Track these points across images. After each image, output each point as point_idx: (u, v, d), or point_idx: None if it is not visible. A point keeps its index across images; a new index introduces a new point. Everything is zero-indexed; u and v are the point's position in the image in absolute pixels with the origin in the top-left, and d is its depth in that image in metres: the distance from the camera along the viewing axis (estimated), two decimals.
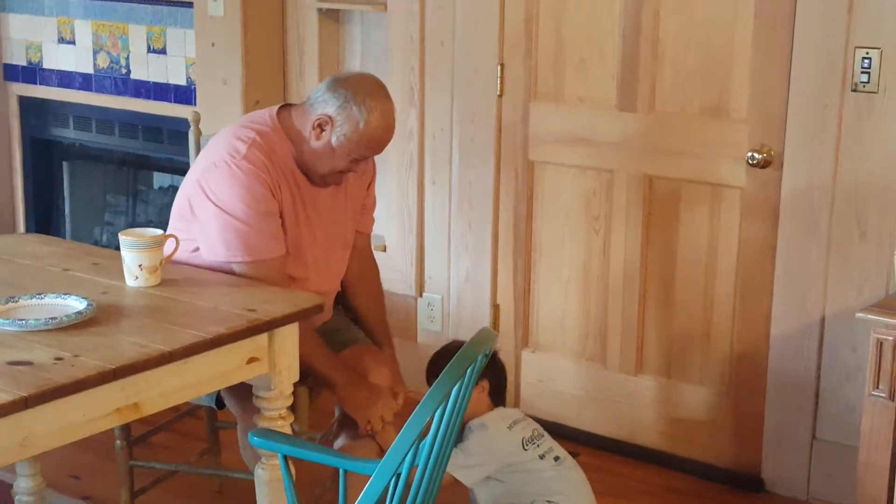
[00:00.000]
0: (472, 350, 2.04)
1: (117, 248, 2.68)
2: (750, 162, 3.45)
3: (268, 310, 2.54)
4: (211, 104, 4.33)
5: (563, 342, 3.97)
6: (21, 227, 5.34)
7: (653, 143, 3.66)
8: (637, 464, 3.79)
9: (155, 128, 4.85)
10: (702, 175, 3.59)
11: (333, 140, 2.81)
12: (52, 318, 2.38)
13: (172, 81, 4.69)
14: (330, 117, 2.79)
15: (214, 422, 3.38)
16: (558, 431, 3.91)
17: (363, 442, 2.98)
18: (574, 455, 3.75)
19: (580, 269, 3.88)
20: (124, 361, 2.22)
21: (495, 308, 4.08)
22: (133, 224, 5.17)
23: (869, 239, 3.31)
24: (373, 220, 3.21)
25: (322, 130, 2.81)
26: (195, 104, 4.50)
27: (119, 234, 2.68)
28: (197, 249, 2.85)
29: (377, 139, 2.83)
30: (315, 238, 2.92)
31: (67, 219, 5.33)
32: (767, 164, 3.44)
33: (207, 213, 2.78)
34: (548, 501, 2.97)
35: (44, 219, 5.34)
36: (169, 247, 2.73)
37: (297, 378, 2.63)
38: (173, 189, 5.16)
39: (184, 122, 4.62)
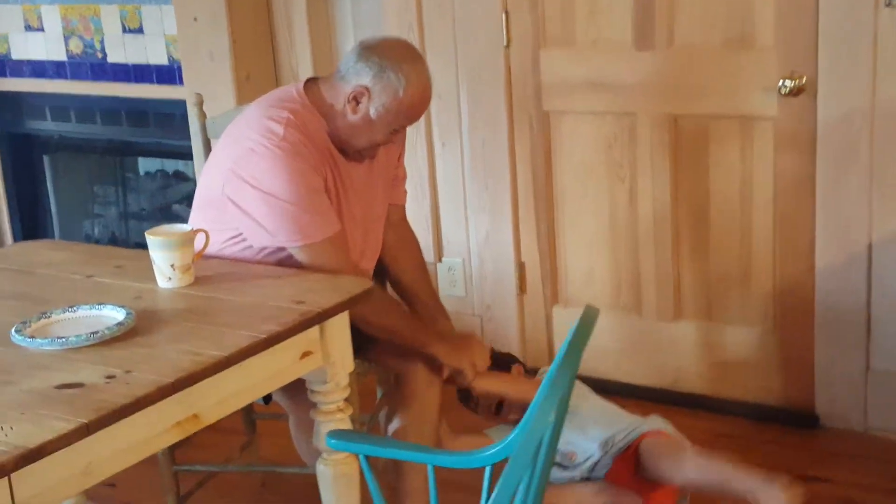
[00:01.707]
0: (584, 333, 1.86)
1: (133, 245, 2.51)
2: (782, 91, 3.30)
3: (317, 300, 2.38)
4: (199, 82, 4.13)
5: (595, 295, 3.83)
6: (6, 227, 5.13)
7: (675, 80, 3.51)
8: (683, 412, 3.65)
9: (139, 112, 4.64)
10: (730, 109, 3.44)
11: (372, 112, 2.66)
12: (93, 333, 2.21)
13: (153, 62, 4.47)
14: (366, 88, 2.64)
15: (251, 413, 3.23)
16: (598, 386, 3.75)
17: (415, 425, 2.84)
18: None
19: (607, 219, 3.74)
20: (180, 373, 2.06)
21: (520, 266, 3.93)
22: (125, 214, 4.98)
23: None
24: (405, 191, 3.06)
25: (358, 103, 2.66)
26: (181, 83, 4.30)
27: (146, 233, 2.50)
28: (229, 240, 2.70)
29: (417, 106, 2.69)
30: (353, 216, 2.78)
31: (54, 215, 5.12)
32: (800, 91, 3.29)
33: (253, 203, 2.62)
34: None
35: (29, 217, 5.12)
36: (199, 242, 2.56)
37: (351, 367, 2.48)
38: (162, 174, 4.97)
39: (170, 104, 4.48)
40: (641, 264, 3.71)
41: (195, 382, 2.08)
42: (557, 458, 2.98)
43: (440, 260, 4.05)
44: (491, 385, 3.01)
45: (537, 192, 3.82)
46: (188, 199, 4.77)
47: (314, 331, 2.35)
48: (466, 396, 3.03)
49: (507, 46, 3.74)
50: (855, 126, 3.23)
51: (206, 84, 4.06)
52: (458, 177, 3.94)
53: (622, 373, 3.83)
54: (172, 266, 2.48)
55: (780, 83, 3.30)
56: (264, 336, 2.21)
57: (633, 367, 3.81)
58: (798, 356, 3.51)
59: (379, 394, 3.11)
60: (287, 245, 2.64)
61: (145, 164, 5.05)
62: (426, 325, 2.93)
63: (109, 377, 2.05)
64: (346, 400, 2.50)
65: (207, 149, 3.21)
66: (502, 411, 3.02)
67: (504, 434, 3.08)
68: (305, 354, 2.36)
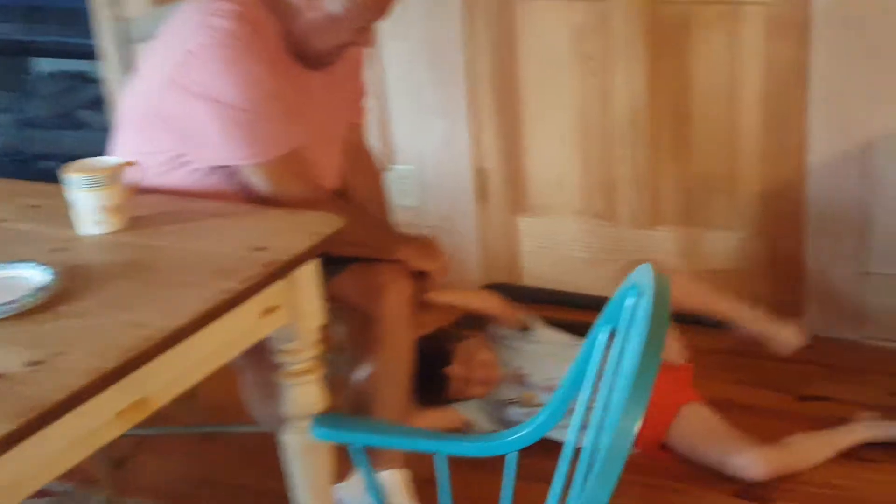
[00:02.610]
0: (661, 311, 1.48)
1: (32, 158, 2.10)
2: None
3: (281, 245, 2.00)
4: None
5: (564, 201, 3.50)
6: None
7: None
8: None
9: (32, 7, 4.13)
10: None
11: (335, 7, 2.26)
12: (11, 302, 1.81)
13: None
14: None
15: None
16: (569, 300, 3.53)
17: (389, 371, 2.51)
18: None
19: (577, 118, 3.38)
20: (125, 353, 1.67)
21: (480, 172, 3.57)
22: (24, 122, 4.48)
23: None
24: (364, 108, 2.67)
25: None
26: None
27: (64, 170, 2.09)
28: (166, 164, 2.31)
29: None
30: (312, 132, 2.39)
31: None
32: None
33: (198, 114, 2.22)
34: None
35: None
36: (132, 176, 2.15)
37: (323, 320, 2.12)
38: (64, 75, 4.48)
39: None
40: (616, 167, 3.37)
41: (144, 363, 1.70)
42: (539, 399, 2.75)
43: (390, 168, 3.66)
44: (456, 297, 2.79)
45: (498, 89, 3.45)
46: (96, 104, 4.31)
47: (279, 282, 1.98)
48: (437, 377, 2.75)
49: None
50: (856, 8, 2.89)
51: None
52: (410, 74, 3.54)
53: (595, 285, 3.50)
54: (100, 208, 2.08)
55: None
56: (225, 297, 1.83)
57: (606, 279, 3.49)
58: (788, 262, 3.23)
59: (339, 332, 2.76)
60: (242, 162, 2.27)
61: (43, 66, 4.55)
62: (390, 230, 2.63)
63: (34, 363, 1.65)
64: (317, 358, 2.14)
65: (129, 54, 2.78)
66: (464, 390, 2.77)
67: (472, 408, 2.84)
68: (269, 311, 1.99)
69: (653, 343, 1.32)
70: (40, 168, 4.39)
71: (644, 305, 1.42)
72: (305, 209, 2.25)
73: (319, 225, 2.07)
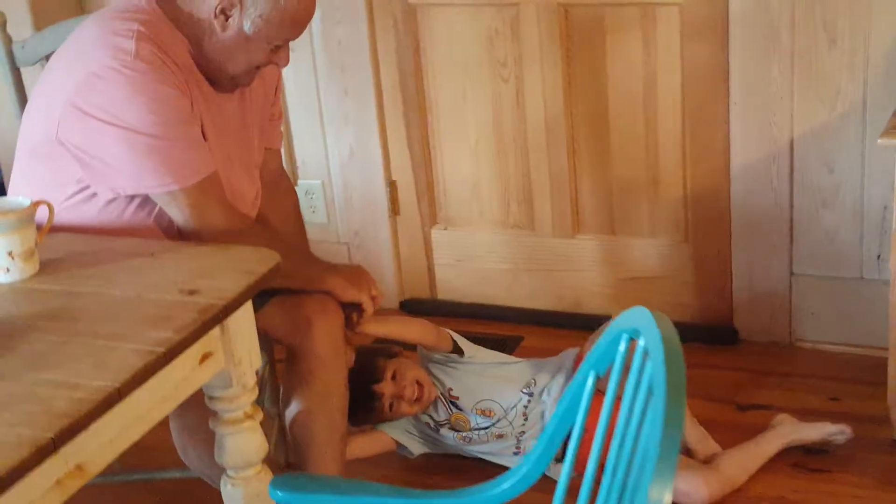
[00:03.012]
0: (676, 364, 1.36)
1: None
2: None
3: (214, 287, 1.85)
4: None
5: (480, 213, 3.40)
6: None
7: None
8: (589, 336, 3.29)
9: None
10: None
11: (246, 25, 2.12)
12: None
13: None
14: None
15: None
16: (489, 314, 3.44)
17: (321, 407, 2.38)
18: (517, 339, 3.30)
19: (490, 126, 3.28)
20: (60, 420, 1.51)
21: (391, 185, 3.45)
22: None
23: (839, 46, 2.83)
24: (281, 132, 2.53)
25: (228, 17, 2.11)
26: None
27: None
28: (71, 197, 2.14)
29: (302, 14, 2.15)
30: (229, 157, 2.24)
31: None
32: None
33: (103, 141, 2.06)
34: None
35: None
36: (42, 216, 1.98)
37: (259, 363, 1.98)
38: None
39: None
40: (533, 175, 3.28)
41: (81, 430, 1.54)
42: (472, 423, 2.66)
43: (295, 183, 3.51)
44: (387, 328, 2.65)
45: (407, 98, 3.33)
46: None
47: (215, 328, 1.83)
48: (368, 395, 2.63)
49: None
50: (773, 8, 2.85)
51: None
52: (312, 85, 3.40)
53: (515, 297, 3.43)
54: (10, 254, 1.90)
55: None
56: (162, 349, 1.68)
57: (527, 291, 3.42)
58: (714, 267, 3.18)
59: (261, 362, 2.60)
60: (156, 191, 2.10)
61: None
62: (318, 260, 2.47)
63: None
64: (255, 402, 2.00)
65: (17, 80, 2.59)
66: (394, 408, 2.64)
67: (401, 429, 2.72)
68: (205, 357, 1.84)
69: (674, 403, 1.19)
70: None
71: (653, 353, 1.30)
72: (229, 240, 2.11)
73: (254, 262, 1.93)
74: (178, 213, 2.14)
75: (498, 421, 2.67)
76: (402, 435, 2.76)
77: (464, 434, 2.70)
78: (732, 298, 3.17)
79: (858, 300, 3.01)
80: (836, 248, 3.02)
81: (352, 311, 2.41)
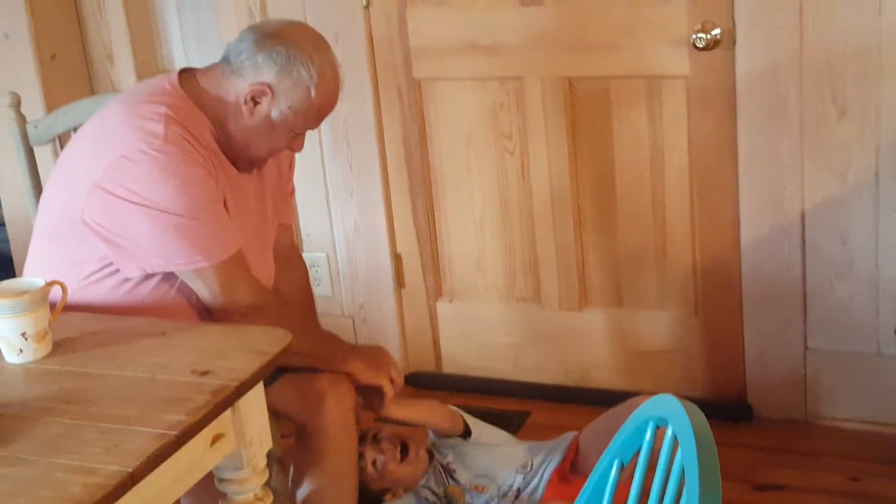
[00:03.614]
0: (707, 452, 1.32)
1: None
2: (697, 45, 2.89)
3: (226, 367, 1.82)
4: None
5: (486, 285, 3.37)
6: None
7: (568, 38, 3.05)
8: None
9: None
10: (635, 68, 3.01)
11: (274, 114, 2.16)
12: None
13: None
14: (269, 86, 2.13)
15: None
16: (495, 388, 3.41)
17: (333, 485, 2.35)
18: (524, 415, 3.26)
19: (495, 199, 3.27)
20: None
21: (396, 258, 3.43)
22: None
23: (849, 117, 2.82)
24: (294, 208, 2.54)
25: (257, 104, 2.13)
26: None
27: None
28: (92, 275, 2.15)
29: (328, 105, 2.22)
30: (248, 235, 2.25)
31: None
32: (716, 44, 2.89)
33: (132, 222, 2.08)
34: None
35: None
36: (56, 296, 1.95)
37: (270, 444, 1.95)
38: None
39: None
40: (539, 248, 3.26)
41: None
42: (466, 498, 2.62)
43: None
44: (407, 413, 2.59)
45: (412, 171, 3.32)
46: None
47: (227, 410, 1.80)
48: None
49: (367, 7, 3.21)
50: (781, 80, 2.85)
51: (2, 68, 3.37)
52: (317, 160, 3.39)
53: (522, 371, 3.39)
54: (24, 335, 1.88)
55: (695, 37, 2.88)
56: (175, 432, 1.65)
57: (534, 365, 3.38)
58: (725, 341, 3.14)
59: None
60: (186, 268, 2.11)
61: None
62: (339, 340, 2.47)
63: None
64: (266, 485, 1.96)
65: (31, 161, 2.58)
66: (408, 455, 2.60)
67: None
68: (216, 438, 1.81)
69: (709, 493, 1.15)
70: None
71: (683, 441, 1.26)
72: (254, 315, 2.14)
73: (265, 343, 1.91)
74: (206, 290, 2.15)
75: (491, 500, 2.64)
76: None
77: None
78: (745, 373, 3.12)
79: (876, 375, 2.96)
80: (851, 322, 2.98)
81: (373, 394, 2.39)
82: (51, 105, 3.20)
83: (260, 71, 2.12)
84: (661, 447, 1.36)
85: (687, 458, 1.23)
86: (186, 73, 2.21)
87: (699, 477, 1.16)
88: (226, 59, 2.17)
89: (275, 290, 2.43)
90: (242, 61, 2.13)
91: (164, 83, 2.18)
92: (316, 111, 2.19)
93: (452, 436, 2.71)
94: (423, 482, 2.68)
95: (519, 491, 2.65)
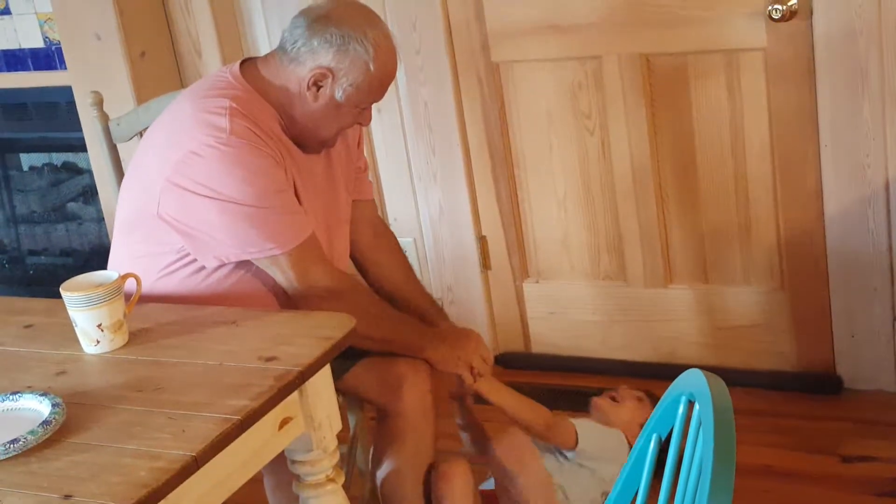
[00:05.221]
0: (725, 428, 1.33)
1: (27, 253, 1.99)
2: (773, 16, 2.85)
3: (291, 353, 1.88)
4: (85, 65, 3.55)
5: (572, 265, 3.38)
6: None
7: (643, 15, 3.04)
8: None
9: (16, 104, 4.03)
10: (711, 43, 2.99)
11: (338, 94, 2.20)
12: (14, 441, 1.68)
13: (26, 45, 3.86)
14: (329, 69, 2.18)
15: None
16: (583, 366, 3.42)
17: (410, 468, 2.38)
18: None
19: (578, 178, 3.28)
20: (140, 489, 1.56)
21: (482, 240, 3.46)
22: (13, 218, 4.37)
23: None
24: (371, 183, 2.59)
25: (319, 88, 2.19)
26: (63, 68, 3.71)
27: (61, 289, 1.97)
28: (170, 266, 2.23)
29: (389, 76, 2.25)
30: (318, 217, 2.31)
31: None
32: (792, 15, 2.85)
33: (205, 214, 2.15)
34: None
35: None
36: (131, 288, 2.04)
37: (340, 426, 2.00)
38: (51, 168, 4.36)
39: (52, 92, 3.88)
40: (623, 226, 3.26)
41: (160, 499, 1.57)
42: None
43: None
44: (496, 396, 2.50)
45: (494, 154, 3.35)
46: (85, 195, 4.21)
47: (293, 393, 1.86)
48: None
49: None
50: (860, 48, 2.80)
51: (95, 67, 3.49)
52: (401, 146, 3.44)
53: (610, 349, 3.40)
54: (100, 326, 1.96)
55: (770, 8, 2.85)
56: (239, 417, 1.71)
57: (622, 342, 3.39)
58: (812, 314, 3.10)
59: (351, 422, 2.63)
60: (260, 256, 2.18)
61: (29, 160, 4.43)
62: (418, 326, 2.46)
63: None
64: (337, 465, 2.01)
65: (114, 153, 2.68)
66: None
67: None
68: (284, 422, 1.87)
69: (723, 470, 1.17)
70: (32, 263, 4.29)
71: (704, 424, 1.27)
72: (331, 298, 2.19)
73: (330, 328, 1.96)
74: (282, 277, 2.21)
75: None
76: None
77: None
78: (834, 346, 3.09)
79: None
80: None
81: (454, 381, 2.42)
82: (143, 101, 3.29)
83: (317, 55, 2.17)
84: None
85: (705, 441, 1.24)
86: (248, 64, 2.27)
87: (713, 454, 1.17)
88: (282, 48, 2.22)
89: (374, 261, 2.51)
90: (299, 48, 2.18)
91: (227, 76, 2.24)
92: (378, 84, 2.22)
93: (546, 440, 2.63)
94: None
95: None
